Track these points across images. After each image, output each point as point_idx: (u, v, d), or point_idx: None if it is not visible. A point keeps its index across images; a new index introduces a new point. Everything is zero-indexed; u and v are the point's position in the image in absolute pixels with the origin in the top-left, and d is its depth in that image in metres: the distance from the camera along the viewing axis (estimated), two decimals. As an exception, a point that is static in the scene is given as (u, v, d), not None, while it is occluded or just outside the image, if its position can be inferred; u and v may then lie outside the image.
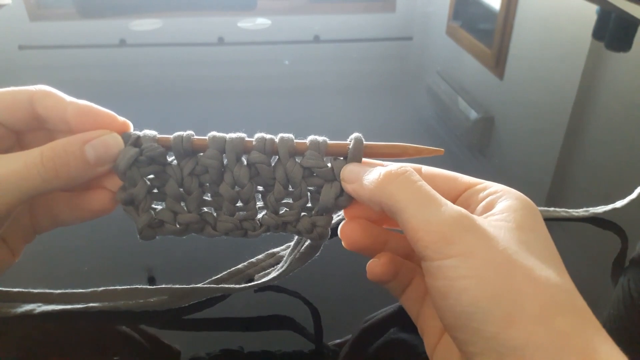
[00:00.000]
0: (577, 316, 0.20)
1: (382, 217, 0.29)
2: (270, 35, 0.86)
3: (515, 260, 0.21)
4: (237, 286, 0.34)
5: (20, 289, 0.34)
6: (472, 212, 0.26)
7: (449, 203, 0.23)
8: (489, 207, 0.25)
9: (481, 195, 0.26)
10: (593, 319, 0.21)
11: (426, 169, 0.29)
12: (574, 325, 0.20)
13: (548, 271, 0.21)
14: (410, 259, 0.30)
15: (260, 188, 0.30)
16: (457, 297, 0.21)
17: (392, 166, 0.25)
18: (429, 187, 0.24)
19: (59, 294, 0.34)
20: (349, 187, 0.27)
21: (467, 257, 0.21)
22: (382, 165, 0.26)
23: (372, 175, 0.26)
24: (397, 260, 0.28)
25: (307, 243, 0.33)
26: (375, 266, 0.28)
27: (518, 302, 0.20)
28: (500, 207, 0.24)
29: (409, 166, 0.26)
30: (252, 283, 0.34)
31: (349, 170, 0.28)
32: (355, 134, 0.28)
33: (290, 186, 0.29)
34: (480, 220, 0.23)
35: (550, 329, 0.19)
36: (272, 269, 0.36)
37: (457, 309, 0.21)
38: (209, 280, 0.35)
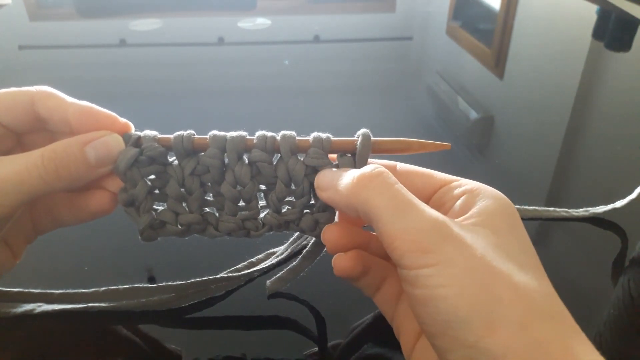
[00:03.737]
0: (556, 322, 0.20)
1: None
2: (270, 35, 0.86)
3: (494, 267, 0.21)
4: (238, 274, 0.35)
5: (20, 289, 0.34)
6: (448, 210, 0.26)
7: (426, 208, 0.23)
8: (466, 207, 0.25)
9: (456, 192, 0.26)
10: (572, 323, 0.21)
11: (401, 166, 0.28)
12: (553, 331, 0.20)
13: (526, 276, 0.21)
14: (388, 259, 0.29)
15: (262, 187, 0.29)
16: (436, 305, 0.21)
17: (366, 168, 0.24)
18: (405, 191, 0.23)
19: (60, 294, 0.34)
20: (323, 195, 0.26)
21: (445, 266, 0.21)
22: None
23: (345, 179, 0.25)
24: (366, 256, 0.28)
25: (312, 241, 0.33)
26: (341, 260, 0.27)
27: (497, 310, 0.20)
28: (478, 209, 0.24)
29: (383, 165, 0.25)
30: (254, 268, 0.34)
31: (322, 176, 0.27)
32: (363, 130, 0.27)
33: (292, 184, 0.29)
34: (457, 226, 0.22)
35: (529, 336, 0.19)
36: (273, 256, 0.36)
37: (436, 317, 0.21)
38: (206, 278, 0.35)
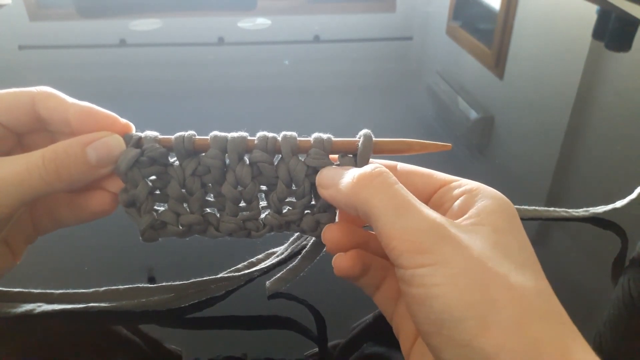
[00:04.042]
0: (552, 322, 0.20)
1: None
2: (270, 35, 0.85)
3: (490, 268, 0.21)
4: (238, 274, 0.35)
5: (20, 289, 0.34)
6: (448, 210, 0.26)
7: (425, 209, 0.23)
8: (465, 207, 0.25)
9: (456, 192, 0.26)
10: (569, 323, 0.21)
11: (402, 166, 0.29)
12: (549, 331, 0.20)
13: (524, 276, 0.21)
14: (387, 259, 0.29)
15: (263, 187, 0.29)
16: (431, 304, 0.21)
17: (367, 168, 0.24)
18: (405, 191, 0.23)
19: (60, 294, 0.34)
20: (324, 193, 0.27)
21: (441, 266, 0.21)
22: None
23: (346, 178, 0.25)
24: (366, 256, 0.28)
25: (312, 240, 0.33)
26: (341, 260, 0.27)
27: (492, 310, 0.20)
28: (477, 209, 0.24)
29: (384, 165, 0.25)
30: (254, 268, 0.34)
31: (324, 175, 0.27)
32: (365, 130, 0.28)
33: (293, 185, 0.29)
34: (455, 227, 0.22)
35: (524, 335, 0.19)
36: (274, 255, 0.37)
37: (430, 316, 0.21)
38: (206, 278, 0.35)
